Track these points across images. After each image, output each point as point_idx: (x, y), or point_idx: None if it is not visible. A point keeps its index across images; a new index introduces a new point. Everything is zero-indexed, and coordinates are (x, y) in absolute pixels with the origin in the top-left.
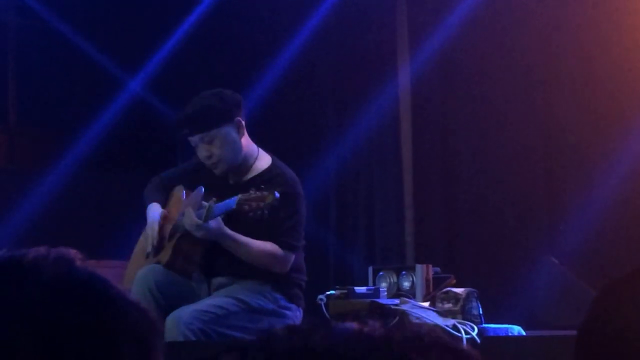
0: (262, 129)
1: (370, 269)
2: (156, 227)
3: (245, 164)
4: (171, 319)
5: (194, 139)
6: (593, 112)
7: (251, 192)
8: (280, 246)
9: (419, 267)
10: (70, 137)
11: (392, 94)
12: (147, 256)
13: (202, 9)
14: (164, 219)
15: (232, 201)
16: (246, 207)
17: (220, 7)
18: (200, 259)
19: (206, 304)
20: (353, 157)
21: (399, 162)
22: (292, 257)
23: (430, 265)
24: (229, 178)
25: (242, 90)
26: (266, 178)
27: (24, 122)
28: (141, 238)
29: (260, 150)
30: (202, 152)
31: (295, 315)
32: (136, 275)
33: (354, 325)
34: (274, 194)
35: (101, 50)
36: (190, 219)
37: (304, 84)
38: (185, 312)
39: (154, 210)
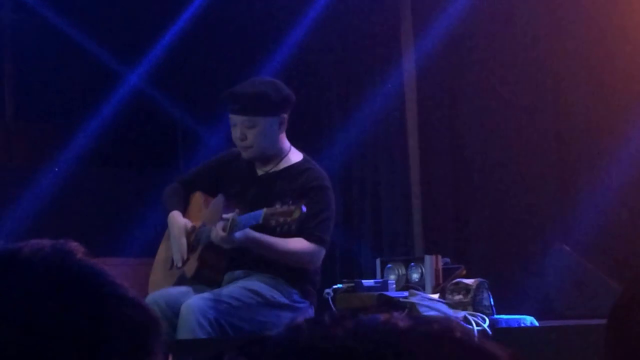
0: None
1: (378, 261)
2: (184, 241)
3: (276, 157)
4: (186, 307)
5: (235, 117)
6: (605, 98)
7: (277, 206)
8: (312, 240)
9: (427, 258)
10: (69, 133)
11: (396, 82)
12: (171, 267)
13: None
14: (188, 230)
15: (258, 215)
16: (273, 222)
17: None
18: (226, 266)
19: (221, 293)
20: (358, 147)
21: (406, 151)
22: (323, 251)
23: (440, 256)
24: (257, 170)
25: (245, 78)
26: (296, 171)
27: (21, 118)
28: (162, 246)
29: (293, 147)
30: (237, 133)
31: (307, 311)
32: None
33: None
34: (301, 208)
35: (99, 43)
36: (216, 232)
37: (308, 72)
38: (200, 300)
39: (177, 221)
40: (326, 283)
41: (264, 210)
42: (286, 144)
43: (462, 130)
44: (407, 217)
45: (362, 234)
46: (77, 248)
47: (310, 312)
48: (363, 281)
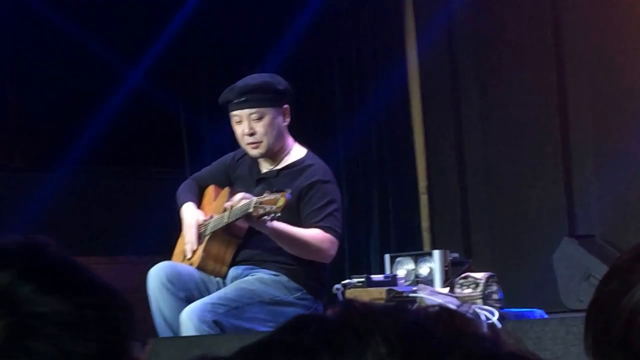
0: None
1: (387, 257)
2: (194, 231)
3: (280, 153)
4: (184, 313)
5: (241, 113)
6: (613, 90)
7: (265, 194)
8: (326, 232)
9: (436, 252)
10: (73, 132)
11: (400, 76)
12: (183, 259)
13: None
14: (199, 222)
15: (249, 204)
16: (261, 210)
17: None
18: (232, 258)
19: (218, 296)
20: (363, 142)
21: (411, 146)
22: (337, 243)
23: (448, 251)
24: (262, 168)
25: (247, 72)
26: (297, 169)
27: (24, 119)
28: (180, 239)
29: (296, 143)
30: (244, 128)
31: (315, 307)
32: (149, 273)
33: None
34: (286, 196)
35: (100, 42)
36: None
37: (311, 67)
38: (197, 305)
39: (190, 212)
40: (335, 279)
41: (254, 199)
42: (290, 139)
43: (468, 124)
44: (414, 212)
45: (370, 229)
46: (49, 242)
47: (319, 309)
48: (372, 276)
